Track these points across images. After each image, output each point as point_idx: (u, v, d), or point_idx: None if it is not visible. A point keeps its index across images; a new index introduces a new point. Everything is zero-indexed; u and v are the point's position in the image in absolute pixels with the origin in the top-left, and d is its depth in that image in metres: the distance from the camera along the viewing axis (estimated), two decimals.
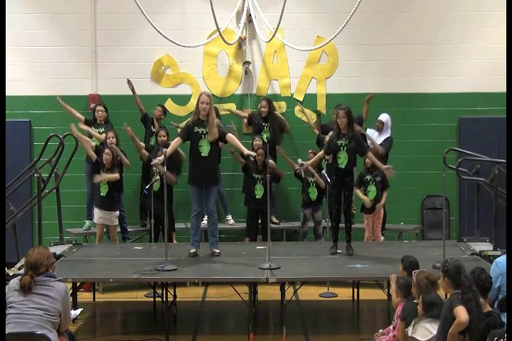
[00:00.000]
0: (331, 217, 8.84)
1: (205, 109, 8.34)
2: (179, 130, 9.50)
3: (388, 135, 10.56)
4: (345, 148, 8.40)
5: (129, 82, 10.82)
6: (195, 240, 8.62)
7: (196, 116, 8.47)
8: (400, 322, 6.04)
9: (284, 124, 11.18)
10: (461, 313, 5.30)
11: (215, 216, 8.65)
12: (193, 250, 8.57)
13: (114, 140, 10.15)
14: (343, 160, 8.43)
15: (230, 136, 8.56)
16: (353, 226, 10.64)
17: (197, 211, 8.54)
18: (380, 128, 10.57)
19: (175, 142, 8.51)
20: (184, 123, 10.94)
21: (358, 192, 9.88)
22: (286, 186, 11.41)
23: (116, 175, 9.83)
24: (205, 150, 8.37)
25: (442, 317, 5.48)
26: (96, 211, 9.95)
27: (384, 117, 10.60)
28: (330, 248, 8.67)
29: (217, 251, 8.61)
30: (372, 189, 9.89)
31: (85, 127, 10.44)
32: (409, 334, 5.71)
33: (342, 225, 10.93)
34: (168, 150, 8.34)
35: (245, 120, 11.44)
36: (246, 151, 8.50)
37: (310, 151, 10.47)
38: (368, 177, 9.90)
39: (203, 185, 8.46)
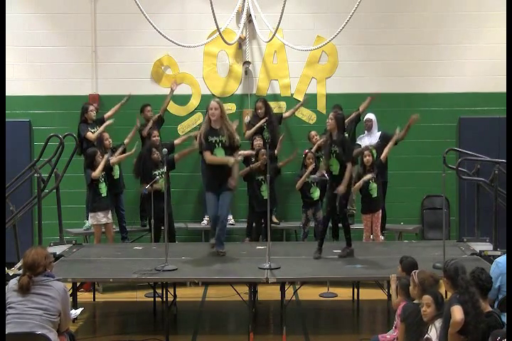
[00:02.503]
0: (322, 221, 8.83)
1: (214, 114, 8.31)
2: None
3: (379, 131, 10.69)
4: (334, 155, 8.27)
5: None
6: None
7: (208, 124, 8.42)
8: (400, 323, 6.02)
9: (280, 115, 11.27)
10: (456, 313, 5.30)
11: (225, 221, 8.65)
12: (221, 250, 8.57)
13: (110, 140, 10.30)
14: (335, 167, 8.31)
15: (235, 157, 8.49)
16: (353, 226, 10.73)
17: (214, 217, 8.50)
18: (369, 126, 10.71)
19: (208, 156, 8.37)
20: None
21: (355, 188, 9.88)
22: (287, 186, 11.40)
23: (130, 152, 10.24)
24: None
25: (443, 317, 5.48)
26: (96, 214, 9.94)
27: (372, 116, 10.78)
28: (314, 252, 8.50)
29: (223, 250, 8.60)
30: (373, 186, 9.90)
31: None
32: (434, 340, 5.63)
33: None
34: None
35: (246, 120, 11.42)
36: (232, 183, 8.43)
37: (307, 151, 10.49)
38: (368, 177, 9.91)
39: (218, 190, 8.42)
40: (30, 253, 5.57)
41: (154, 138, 10.30)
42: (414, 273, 6.05)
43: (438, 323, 5.55)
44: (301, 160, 10.66)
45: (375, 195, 9.90)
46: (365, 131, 10.81)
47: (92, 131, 10.55)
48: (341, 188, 8.20)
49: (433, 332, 5.58)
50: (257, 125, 10.89)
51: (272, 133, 10.95)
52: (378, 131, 10.74)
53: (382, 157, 10.14)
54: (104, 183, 9.95)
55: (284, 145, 11.19)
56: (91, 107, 10.71)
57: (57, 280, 5.57)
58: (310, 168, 10.28)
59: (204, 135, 8.38)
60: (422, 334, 5.74)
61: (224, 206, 8.47)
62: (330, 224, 10.23)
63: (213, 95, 11.57)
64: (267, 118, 10.94)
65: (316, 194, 10.42)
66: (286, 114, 11.37)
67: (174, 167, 10.14)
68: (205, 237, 11.07)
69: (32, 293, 5.41)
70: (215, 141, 8.33)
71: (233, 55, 11.75)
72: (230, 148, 8.38)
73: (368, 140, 10.67)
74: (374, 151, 10.25)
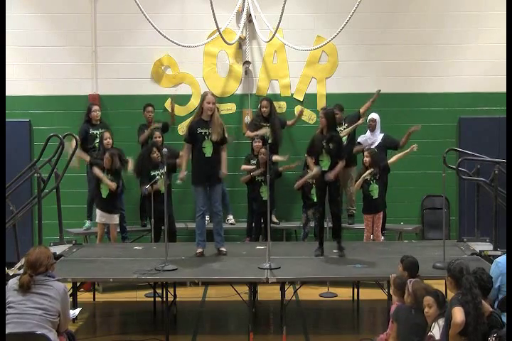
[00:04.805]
0: (317, 219, 8.82)
1: (211, 109, 8.35)
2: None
3: (383, 133, 10.68)
4: (326, 151, 8.30)
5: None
6: (201, 240, 8.62)
7: (198, 116, 8.46)
8: (391, 323, 6.02)
9: (284, 120, 11.22)
10: (457, 314, 5.30)
11: (220, 214, 8.71)
12: (199, 250, 8.57)
13: (111, 141, 10.23)
14: (326, 162, 8.34)
15: (223, 148, 8.52)
16: (353, 226, 10.73)
17: (202, 211, 8.55)
18: (373, 126, 10.67)
19: (187, 149, 8.50)
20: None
21: (356, 186, 9.93)
22: (287, 186, 11.39)
23: (113, 185, 9.81)
24: (208, 150, 8.39)
25: (445, 317, 5.48)
26: (97, 211, 9.97)
27: (376, 116, 10.75)
28: (315, 250, 8.57)
29: (224, 249, 8.63)
30: (374, 187, 9.89)
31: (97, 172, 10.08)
32: (437, 337, 5.64)
33: (343, 225, 10.98)
34: (184, 159, 8.45)
35: (246, 120, 11.42)
36: (224, 173, 8.53)
37: None
38: (368, 176, 9.89)
39: (208, 184, 8.48)
40: (33, 251, 5.59)
41: (155, 140, 10.29)
42: (410, 281, 6.06)
43: (441, 321, 5.56)
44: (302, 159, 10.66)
45: (375, 196, 9.89)
46: (368, 131, 10.76)
47: (95, 132, 10.56)
48: (330, 175, 8.24)
49: (436, 330, 5.59)
50: (258, 132, 10.75)
51: (273, 134, 10.93)
52: (381, 131, 10.70)
53: (389, 162, 10.13)
54: (107, 187, 9.88)
55: (284, 145, 11.20)
56: (94, 107, 10.73)
57: (58, 281, 5.57)
58: (314, 171, 10.27)
59: (193, 126, 8.42)
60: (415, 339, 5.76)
61: (217, 200, 8.56)
62: (330, 224, 10.25)
63: (213, 95, 11.56)
64: (268, 129, 10.79)
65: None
66: (289, 123, 11.32)
67: (175, 171, 10.13)
68: (209, 237, 11.08)
69: (32, 293, 5.41)
70: (205, 133, 8.36)
71: (233, 55, 11.76)
72: (219, 142, 8.42)
73: (370, 140, 10.65)
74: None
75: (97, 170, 9.86)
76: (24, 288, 5.40)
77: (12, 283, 5.52)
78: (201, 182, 8.47)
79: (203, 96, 8.51)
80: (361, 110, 10.87)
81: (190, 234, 11.31)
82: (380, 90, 10.83)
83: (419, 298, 5.85)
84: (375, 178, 9.88)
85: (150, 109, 11.02)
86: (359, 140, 10.72)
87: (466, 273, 5.58)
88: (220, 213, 8.68)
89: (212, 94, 8.53)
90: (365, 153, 9.97)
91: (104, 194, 9.90)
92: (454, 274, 5.64)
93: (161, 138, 10.37)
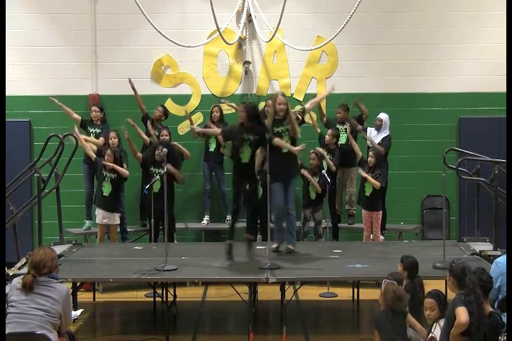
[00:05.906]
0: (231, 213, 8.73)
1: (283, 109, 8.36)
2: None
3: (387, 133, 10.61)
4: (247, 142, 8.19)
5: (130, 81, 10.80)
6: (278, 234, 8.58)
7: (272, 117, 8.44)
8: (375, 332, 5.98)
9: None
10: (461, 314, 5.28)
11: (293, 213, 8.58)
12: (275, 245, 8.51)
13: (116, 140, 10.22)
14: (246, 154, 8.22)
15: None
16: (353, 226, 10.72)
17: (281, 209, 8.46)
18: (378, 126, 10.62)
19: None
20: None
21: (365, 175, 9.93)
22: None
23: (126, 171, 9.87)
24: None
25: (446, 317, 5.47)
26: (98, 211, 9.95)
27: (383, 116, 10.68)
28: (227, 253, 8.33)
29: (291, 247, 8.53)
30: (368, 184, 9.90)
31: (82, 136, 10.11)
32: (438, 338, 5.63)
33: (343, 225, 10.99)
34: (258, 162, 8.52)
35: None
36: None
37: (312, 151, 10.45)
38: (369, 174, 9.90)
39: (284, 179, 8.39)
40: (38, 252, 5.59)
41: (162, 138, 10.32)
42: (384, 281, 6.06)
43: (442, 322, 5.55)
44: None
45: (367, 193, 9.89)
46: (375, 129, 10.71)
47: (92, 130, 10.61)
48: (295, 149, 8.22)
49: (437, 331, 5.58)
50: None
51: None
52: (387, 132, 10.63)
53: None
54: (109, 184, 9.87)
55: None
56: (93, 108, 10.81)
57: (61, 283, 5.57)
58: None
59: (269, 127, 8.38)
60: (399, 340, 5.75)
61: (291, 198, 8.49)
62: (330, 224, 10.26)
63: (214, 95, 11.61)
64: None
65: (313, 194, 10.35)
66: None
67: (179, 168, 10.09)
68: (205, 237, 11.08)
69: (34, 293, 5.41)
70: (282, 130, 8.35)
71: (233, 55, 11.76)
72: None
73: (374, 137, 10.60)
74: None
75: (111, 165, 9.84)
76: (27, 288, 5.40)
77: (16, 282, 5.52)
78: (279, 180, 8.31)
79: (274, 98, 8.45)
80: (364, 116, 10.84)
81: (190, 234, 11.36)
82: (359, 98, 10.80)
83: (388, 301, 5.85)
84: (373, 176, 9.88)
85: (160, 108, 11.01)
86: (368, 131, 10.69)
87: (468, 273, 5.57)
88: (291, 212, 8.53)
89: (283, 95, 8.45)
90: (370, 153, 9.97)
91: (106, 192, 9.89)
92: (456, 274, 5.63)
93: (168, 137, 10.39)
